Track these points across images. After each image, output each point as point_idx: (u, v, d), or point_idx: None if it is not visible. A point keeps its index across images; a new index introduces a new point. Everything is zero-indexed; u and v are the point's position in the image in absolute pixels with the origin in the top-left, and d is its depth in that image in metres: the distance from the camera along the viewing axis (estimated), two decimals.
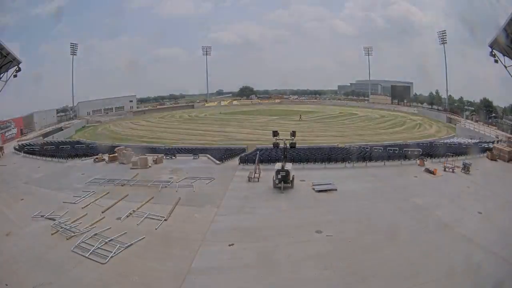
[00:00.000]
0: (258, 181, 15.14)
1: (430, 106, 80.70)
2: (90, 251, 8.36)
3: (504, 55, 22.11)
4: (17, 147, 29.28)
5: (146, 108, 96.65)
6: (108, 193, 13.48)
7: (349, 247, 8.51)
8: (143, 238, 9.13)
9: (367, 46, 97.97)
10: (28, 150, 27.31)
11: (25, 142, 35.97)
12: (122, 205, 12.18)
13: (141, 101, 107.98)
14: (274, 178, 13.39)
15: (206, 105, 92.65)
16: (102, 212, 11.39)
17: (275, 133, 15.23)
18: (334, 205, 11.77)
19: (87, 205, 12.24)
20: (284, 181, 13.10)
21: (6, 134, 40.80)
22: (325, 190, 13.10)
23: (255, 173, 15.44)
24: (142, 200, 12.70)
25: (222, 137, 37.22)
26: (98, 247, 8.56)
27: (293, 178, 13.67)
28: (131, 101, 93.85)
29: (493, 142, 27.85)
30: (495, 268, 7.38)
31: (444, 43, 74.44)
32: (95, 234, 9.41)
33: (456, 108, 69.06)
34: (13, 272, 7.59)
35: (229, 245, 8.55)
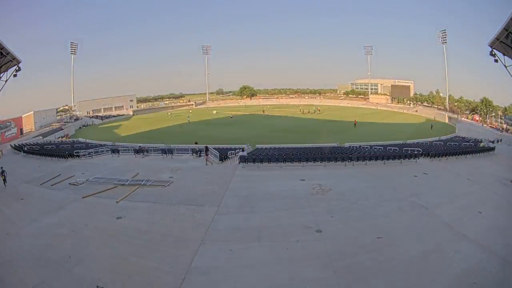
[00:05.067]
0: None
1: (430, 106, 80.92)
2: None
3: (504, 55, 22.11)
4: (13, 145, 29.30)
5: (146, 108, 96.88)
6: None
7: (349, 247, 8.51)
8: None
9: (367, 45, 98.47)
10: (28, 149, 27.33)
11: (24, 141, 35.99)
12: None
13: (141, 100, 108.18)
14: None
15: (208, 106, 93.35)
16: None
17: None
18: (334, 204, 11.77)
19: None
20: None
21: (6, 133, 40.81)
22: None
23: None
24: (142, 199, 12.75)
25: None
26: None
27: None
28: (131, 100, 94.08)
29: (493, 142, 27.90)
30: (495, 268, 7.38)
31: (444, 43, 74.51)
32: None
33: (456, 107, 69.18)
34: (13, 272, 7.60)
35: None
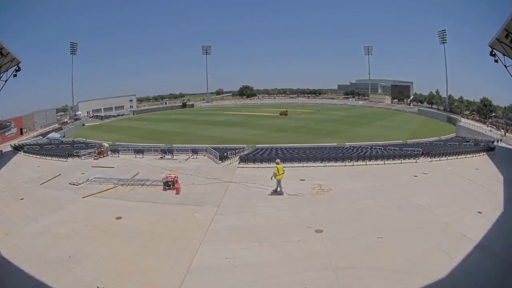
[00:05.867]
0: None
1: (430, 105, 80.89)
2: None
3: (504, 55, 22.12)
4: (13, 145, 29.29)
5: (145, 108, 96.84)
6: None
7: (349, 247, 8.51)
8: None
9: (367, 45, 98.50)
10: (28, 149, 27.31)
11: (24, 141, 35.97)
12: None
13: (141, 100, 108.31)
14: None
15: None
16: None
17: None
18: (334, 204, 11.77)
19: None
20: None
21: (6, 133, 40.79)
22: None
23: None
24: (142, 199, 12.74)
25: None
26: None
27: None
28: (131, 100, 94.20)
29: (493, 142, 27.90)
30: (495, 268, 7.38)
31: (444, 43, 74.48)
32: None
33: (456, 107, 69.17)
34: (13, 272, 7.59)
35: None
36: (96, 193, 13.59)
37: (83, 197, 13.11)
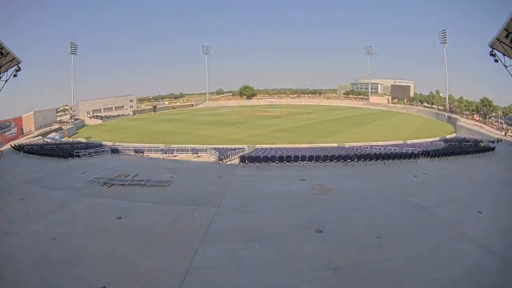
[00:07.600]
0: None
1: (430, 106, 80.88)
2: None
3: (504, 55, 22.12)
4: (13, 145, 29.30)
5: (146, 108, 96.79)
6: None
7: (349, 247, 8.50)
8: None
9: (368, 45, 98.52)
10: (28, 149, 27.32)
11: (24, 141, 35.96)
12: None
13: (141, 100, 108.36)
14: None
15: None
16: None
17: None
18: (334, 204, 11.77)
19: None
20: None
21: (6, 133, 40.76)
22: None
23: None
24: (142, 199, 12.73)
25: None
26: None
27: None
28: (131, 100, 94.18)
29: (493, 142, 27.90)
30: (495, 268, 7.38)
31: (444, 43, 74.44)
32: None
33: (456, 107, 69.16)
34: (13, 272, 7.58)
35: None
36: (96, 193, 13.59)
37: (83, 197, 13.11)
